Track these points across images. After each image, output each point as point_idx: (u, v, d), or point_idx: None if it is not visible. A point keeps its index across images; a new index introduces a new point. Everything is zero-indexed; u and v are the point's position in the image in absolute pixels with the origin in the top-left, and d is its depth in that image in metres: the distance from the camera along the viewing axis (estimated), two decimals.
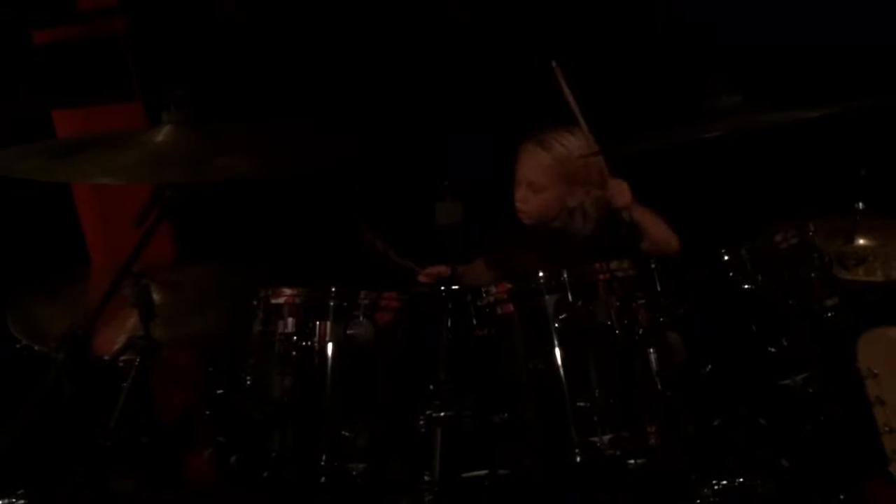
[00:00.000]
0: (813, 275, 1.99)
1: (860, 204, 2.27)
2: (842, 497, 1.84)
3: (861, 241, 2.28)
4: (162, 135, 1.80)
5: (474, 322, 1.97)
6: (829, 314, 1.95)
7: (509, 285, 1.94)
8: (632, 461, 1.85)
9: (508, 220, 2.38)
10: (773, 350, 1.94)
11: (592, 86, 2.28)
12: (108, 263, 2.73)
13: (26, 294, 2.23)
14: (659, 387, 1.87)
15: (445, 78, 2.75)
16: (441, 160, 2.65)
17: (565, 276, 1.89)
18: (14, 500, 1.78)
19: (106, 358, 1.97)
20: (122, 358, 1.95)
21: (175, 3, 2.79)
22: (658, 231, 2.19)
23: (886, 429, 1.58)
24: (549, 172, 2.26)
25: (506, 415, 1.93)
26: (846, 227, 2.28)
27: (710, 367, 1.95)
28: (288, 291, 1.98)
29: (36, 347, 2.08)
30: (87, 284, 2.30)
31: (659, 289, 1.93)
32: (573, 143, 2.27)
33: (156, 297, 2.01)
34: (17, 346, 2.09)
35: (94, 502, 1.78)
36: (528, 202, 2.30)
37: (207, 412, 2.05)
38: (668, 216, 2.24)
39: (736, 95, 1.91)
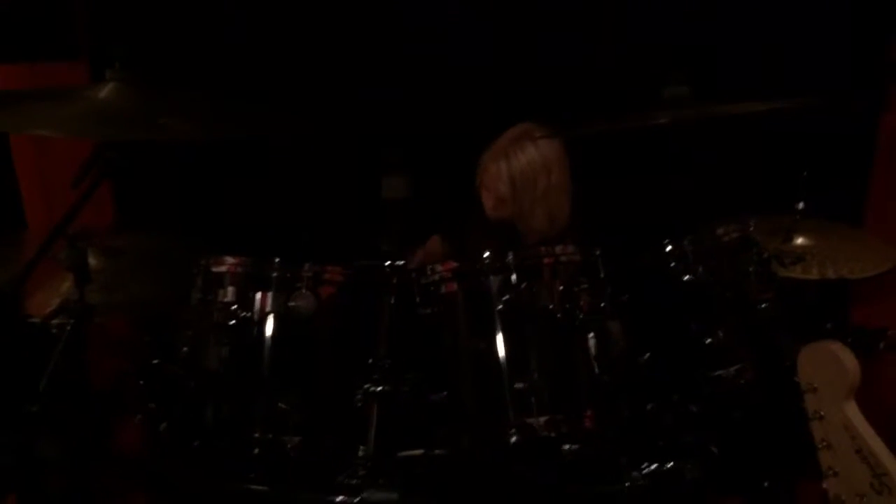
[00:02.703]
0: (751, 269, 2.03)
1: (801, 204, 2.32)
2: (766, 484, 1.89)
3: (799, 241, 2.33)
4: (105, 91, 1.76)
5: (417, 299, 1.96)
6: (764, 307, 1.99)
7: (454, 264, 1.94)
8: (566, 445, 1.87)
9: (467, 201, 2.39)
10: (708, 341, 1.98)
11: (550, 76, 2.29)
12: (45, 226, 2.65)
13: None
14: (596, 371, 1.89)
15: (402, 55, 2.74)
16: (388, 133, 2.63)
17: (510, 257, 1.89)
18: None
19: (37, 320, 1.92)
20: (54, 321, 1.90)
21: None
22: None
23: (824, 444, 1.56)
24: (515, 189, 2.30)
25: (444, 393, 1.93)
26: (786, 227, 2.33)
27: (647, 354, 1.98)
28: (230, 260, 1.95)
29: None
30: (22, 247, 2.24)
31: (602, 275, 1.95)
32: (535, 154, 2.29)
33: (93, 261, 1.96)
34: None
35: (19, 466, 1.73)
36: (499, 210, 2.34)
37: (141, 381, 2.00)
38: (616, 205, 2.27)
39: (683, 86, 1.94)
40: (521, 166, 2.29)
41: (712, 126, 2.04)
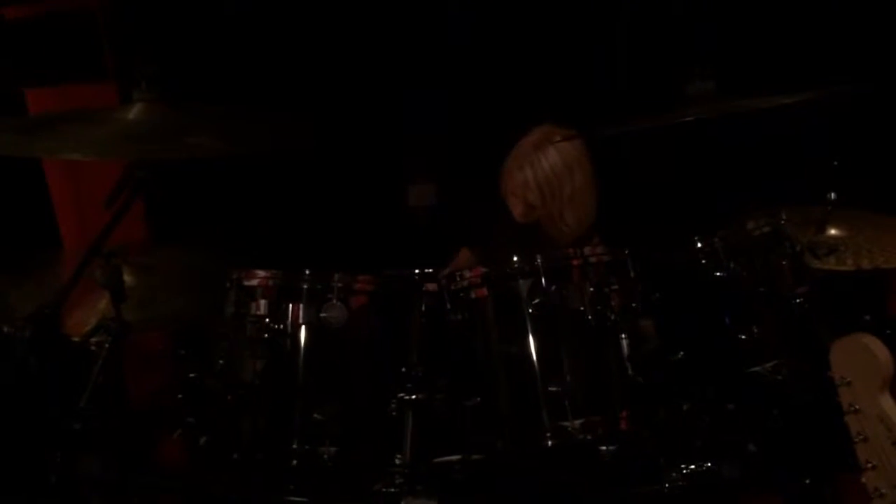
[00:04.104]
0: (784, 263, 2.00)
1: (832, 194, 2.29)
2: (807, 481, 1.86)
3: (832, 231, 2.30)
4: (133, 112, 1.79)
5: (448, 306, 1.96)
6: (799, 302, 1.96)
7: (483, 269, 1.94)
8: (603, 447, 1.86)
9: (493, 207, 2.40)
10: (743, 337, 1.96)
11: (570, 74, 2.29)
12: (80, 246, 2.70)
13: None
14: (630, 372, 1.88)
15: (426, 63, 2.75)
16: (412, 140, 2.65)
17: (539, 260, 1.89)
18: None
19: (76, 339, 1.95)
20: (93, 340, 1.93)
21: None
22: None
23: (860, 437, 1.53)
24: (543, 196, 2.31)
25: (478, 399, 1.92)
26: (818, 217, 2.29)
27: (681, 353, 1.96)
28: (261, 273, 1.96)
29: (4, 329, 2.05)
30: (59, 267, 2.28)
31: (632, 275, 1.94)
32: (557, 158, 2.29)
33: (127, 278, 1.99)
34: None
35: (62, 483, 1.76)
36: (529, 216, 2.36)
37: (179, 395, 2.03)
38: (643, 203, 2.25)
39: (709, 81, 1.92)
40: (546, 173, 2.30)
41: (739, 119, 2.01)
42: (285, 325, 1.93)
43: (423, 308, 1.97)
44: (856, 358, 1.55)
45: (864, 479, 1.54)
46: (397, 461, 1.87)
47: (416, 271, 1.98)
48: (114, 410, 2.06)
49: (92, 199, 2.76)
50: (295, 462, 1.89)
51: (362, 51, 2.77)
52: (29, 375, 1.75)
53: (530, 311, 1.87)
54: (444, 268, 2.39)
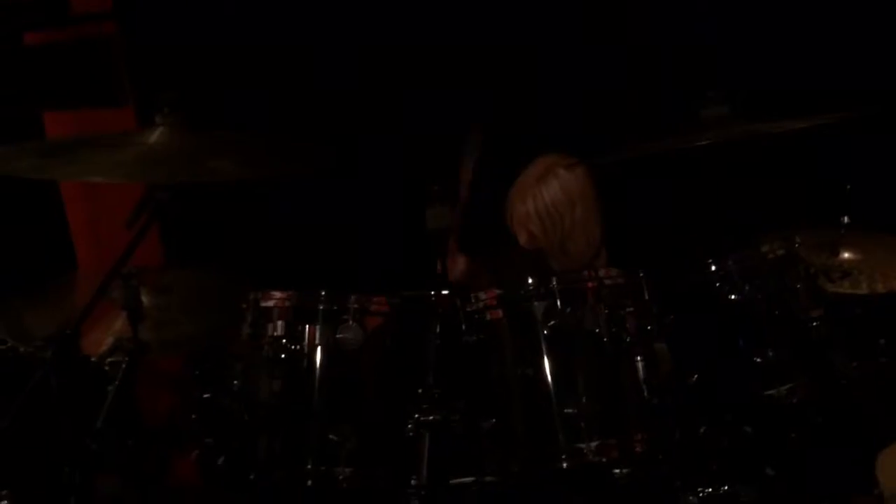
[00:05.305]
0: (799, 286, 2.01)
1: (845, 218, 2.30)
2: None
3: (846, 255, 2.31)
4: (155, 136, 1.81)
5: (463, 327, 1.97)
6: (814, 325, 1.97)
7: (498, 291, 1.95)
8: (618, 469, 1.86)
9: (501, 228, 2.42)
10: (758, 360, 1.96)
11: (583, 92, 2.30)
12: (96, 267, 2.72)
13: (13, 296, 2.23)
14: (646, 394, 1.88)
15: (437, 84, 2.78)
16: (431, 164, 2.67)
17: (554, 282, 1.90)
18: None
19: (93, 359, 1.97)
20: (109, 360, 1.94)
21: (166, 7, 2.80)
22: None
23: None
24: (544, 228, 2.35)
25: (494, 420, 1.93)
26: (831, 241, 2.30)
27: (696, 376, 1.96)
28: (278, 295, 1.97)
29: (21, 349, 2.07)
30: (75, 288, 2.30)
31: (647, 297, 1.94)
32: (558, 191, 2.32)
33: (144, 299, 2.01)
34: (2, 346, 2.08)
35: (80, 503, 1.77)
36: (532, 244, 2.40)
37: (194, 416, 2.04)
38: (657, 226, 2.27)
39: (724, 105, 1.94)
40: (547, 206, 2.34)
41: (753, 142, 2.03)
42: (302, 346, 1.94)
43: (439, 329, 1.98)
44: None
45: None
46: (413, 482, 1.87)
47: (432, 292, 1.98)
48: (130, 430, 2.07)
49: (108, 221, 2.79)
50: (310, 482, 1.89)
51: (382, 75, 2.80)
52: (48, 395, 1.77)
53: (545, 332, 1.88)
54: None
